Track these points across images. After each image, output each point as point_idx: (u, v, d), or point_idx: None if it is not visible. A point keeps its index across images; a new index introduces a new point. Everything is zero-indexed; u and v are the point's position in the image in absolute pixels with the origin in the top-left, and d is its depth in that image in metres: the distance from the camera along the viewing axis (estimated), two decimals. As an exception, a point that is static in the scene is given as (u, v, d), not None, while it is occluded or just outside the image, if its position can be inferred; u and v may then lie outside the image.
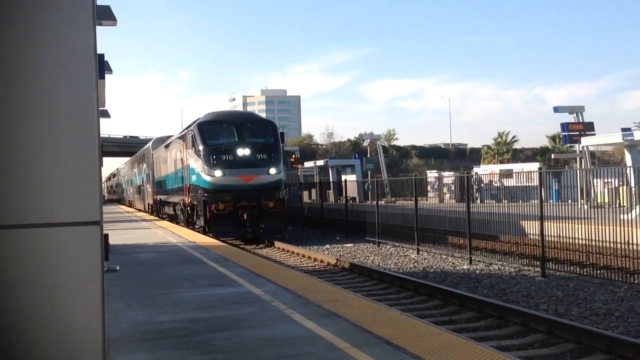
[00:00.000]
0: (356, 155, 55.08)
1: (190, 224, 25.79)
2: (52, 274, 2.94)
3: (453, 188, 34.02)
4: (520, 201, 18.21)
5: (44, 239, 2.93)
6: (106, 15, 8.84)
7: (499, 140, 76.25)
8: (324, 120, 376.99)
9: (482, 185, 26.99)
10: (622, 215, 14.89)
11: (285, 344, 6.14)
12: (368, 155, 52.26)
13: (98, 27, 4.28)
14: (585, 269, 14.15)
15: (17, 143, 2.92)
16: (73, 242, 2.98)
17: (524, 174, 19.53)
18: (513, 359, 5.66)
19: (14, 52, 2.96)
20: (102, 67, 12.00)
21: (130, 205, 54.36)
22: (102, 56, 13.06)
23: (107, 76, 16.04)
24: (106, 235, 3.15)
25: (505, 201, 20.24)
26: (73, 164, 2.99)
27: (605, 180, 21.34)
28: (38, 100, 2.98)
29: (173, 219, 30.30)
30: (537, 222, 15.45)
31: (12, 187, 2.89)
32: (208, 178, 22.97)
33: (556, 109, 34.92)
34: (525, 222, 17.21)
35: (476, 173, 29.83)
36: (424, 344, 6.00)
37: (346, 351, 5.80)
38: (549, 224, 15.64)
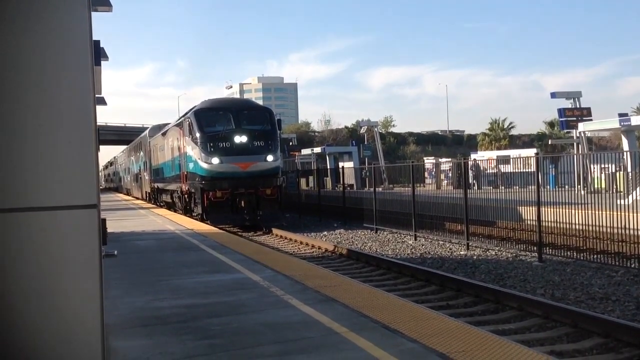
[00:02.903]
0: (353, 142, 55.03)
1: (187, 211, 25.79)
2: (49, 258, 2.95)
3: (450, 174, 34.07)
4: (517, 187, 18.23)
5: (41, 222, 2.93)
6: (101, 1, 8.81)
7: (493, 126, 76.25)
8: (321, 108, 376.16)
9: (480, 171, 27.01)
10: (619, 201, 14.92)
11: (284, 329, 6.17)
12: (365, 142, 52.20)
13: (94, 14, 4.27)
14: (582, 254, 14.19)
15: (13, 128, 2.93)
16: (70, 226, 2.98)
17: (521, 159, 19.54)
18: (510, 342, 5.69)
19: (9, 38, 2.95)
20: (98, 53, 11.95)
21: (127, 194, 54.33)
22: (97, 43, 12.97)
23: (103, 65, 15.95)
24: (103, 220, 3.15)
25: (503, 187, 20.26)
26: (69, 148, 2.99)
27: (603, 166, 21.38)
28: (34, 86, 2.98)
29: (171, 206, 30.29)
30: (534, 208, 15.48)
31: (9, 171, 2.89)
32: (205, 165, 22.95)
33: (553, 95, 34.91)
34: (522, 207, 17.25)
35: (474, 160, 29.87)
36: (422, 328, 6.03)
37: (344, 335, 5.83)
38: (546, 209, 15.67)
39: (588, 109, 33.33)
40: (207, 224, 21.56)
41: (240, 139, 23.14)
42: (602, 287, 11.51)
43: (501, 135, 74.93)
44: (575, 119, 32.43)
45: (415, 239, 19.92)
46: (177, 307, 7.39)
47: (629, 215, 13.56)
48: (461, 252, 16.78)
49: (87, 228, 3.02)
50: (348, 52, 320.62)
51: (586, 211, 14.58)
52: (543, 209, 15.37)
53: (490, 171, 26.74)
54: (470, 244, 17.35)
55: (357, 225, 24.46)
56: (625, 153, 19.86)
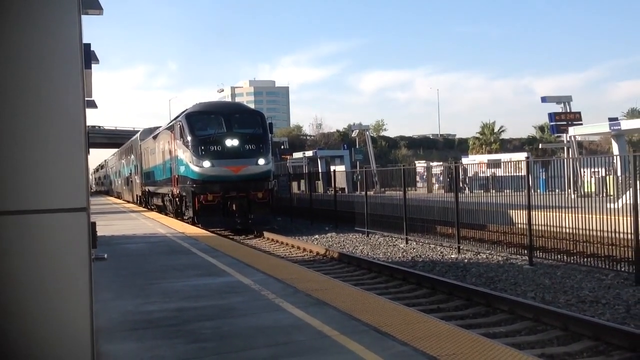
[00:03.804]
0: (345, 146, 55.12)
1: (179, 215, 25.73)
2: (39, 261, 2.94)
3: (442, 178, 34.16)
4: (508, 191, 18.31)
5: (30, 225, 2.92)
6: (92, 5, 8.79)
7: (484, 130, 76.57)
8: (313, 112, 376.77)
9: (470, 175, 27.09)
10: (609, 204, 15.00)
11: (275, 332, 6.16)
12: (357, 146, 52.30)
13: (84, 17, 4.26)
14: (572, 258, 14.24)
15: (2, 131, 2.91)
16: (60, 229, 2.97)
17: (512, 163, 19.61)
18: (500, 345, 5.71)
19: (-2, 41, 2.94)
20: (89, 56, 11.90)
21: (118, 197, 54.18)
22: (88, 46, 12.94)
23: (94, 68, 15.90)
24: (93, 223, 3.15)
25: (494, 191, 20.34)
26: (59, 151, 2.98)
27: (593, 170, 21.50)
28: (23, 89, 2.98)
29: (162, 210, 30.22)
30: (524, 212, 15.54)
31: (-2, 174, 2.88)
32: (196, 169, 22.92)
33: (544, 99, 35.06)
34: (513, 211, 17.31)
35: (461, 163, 29.93)
36: (412, 331, 6.03)
37: (335, 339, 5.83)
38: (537, 213, 15.73)
39: (578, 114, 33.50)
40: (198, 227, 21.52)
41: (231, 142, 23.13)
42: (592, 290, 11.56)
43: (492, 139, 75.25)
44: (565, 123, 32.58)
45: (407, 243, 19.95)
46: (168, 311, 7.36)
47: (618, 219, 13.62)
48: (452, 256, 16.82)
49: (77, 231, 3.01)
50: (340, 56, 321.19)
51: (576, 215, 14.65)
52: (534, 212, 15.43)
53: (481, 174, 26.82)
54: (461, 247, 17.40)
55: (349, 228, 24.47)
56: (615, 157, 19.96)
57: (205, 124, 24.08)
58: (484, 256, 16.35)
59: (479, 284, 12.49)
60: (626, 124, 28.67)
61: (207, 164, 22.81)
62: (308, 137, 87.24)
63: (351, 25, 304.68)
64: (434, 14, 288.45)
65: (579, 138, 32.17)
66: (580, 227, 14.40)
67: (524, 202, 15.54)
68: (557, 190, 18.25)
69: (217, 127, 23.68)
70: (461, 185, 23.72)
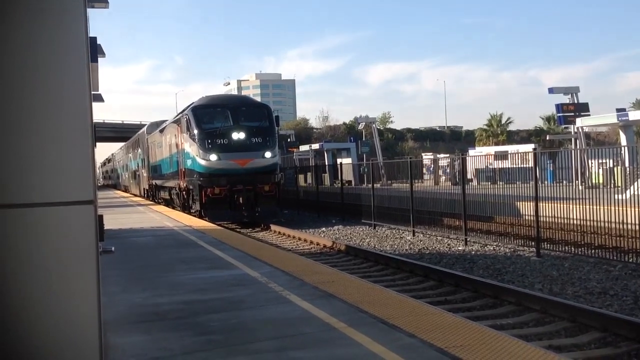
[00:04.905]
0: (351, 138, 55.13)
1: (186, 208, 25.78)
2: (46, 254, 2.94)
3: (448, 170, 34.09)
4: (519, 182, 18.25)
5: (37, 218, 2.93)
6: (98, -2, 8.81)
7: (491, 122, 76.40)
8: (319, 104, 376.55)
9: (479, 167, 27.02)
10: (616, 195, 14.94)
11: (282, 325, 6.17)
12: (363, 139, 52.26)
13: (90, 10, 4.25)
14: (580, 249, 14.20)
15: (9, 124, 2.92)
16: (67, 222, 2.98)
17: (519, 155, 19.55)
18: (508, 337, 5.70)
19: (3, 35, 2.94)
20: (95, 50, 11.95)
21: (125, 191, 54.33)
22: (94, 39, 13.01)
23: (101, 62, 15.96)
24: (101, 216, 3.15)
25: (501, 183, 20.28)
26: (65, 144, 2.98)
27: (600, 161, 21.42)
28: (29, 83, 2.97)
29: (169, 203, 30.27)
30: (532, 203, 15.49)
31: (5, 167, 2.89)
32: (203, 162, 22.95)
33: (551, 90, 34.94)
34: (521, 203, 17.25)
35: (463, 157, 29.80)
36: (420, 323, 6.03)
37: (342, 331, 5.84)
38: (544, 204, 15.68)
39: (585, 104, 33.38)
40: (205, 220, 21.56)
41: (238, 135, 23.14)
42: (600, 281, 11.53)
43: (499, 131, 75.06)
44: (573, 114, 32.46)
45: (414, 235, 19.92)
46: (176, 303, 7.39)
47: (626, 210, 13.57)
48: (459, 248, 16.79)
49: (84, 224, 3.01)
50: (345, 48, 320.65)
51: (584, 206, 14.60)
52: (541, 204, 15.38)
53: (490, 166, 26.73)
54: (468, 239, 17.36)
55: (356, 221, 24.45)
56: (623, 148, 19.88)
57: (211, 117, 24.09)
58: (491, 248, 16.33)
59: (486, 276, 12.47)
60: (634, 115, 28.56)
61: (213, 157, 22.84)
62: (314, 130, 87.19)
63: (356, 17, 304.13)
64: (438, 6, 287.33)
65: (586, 129, 32.06)
66: (588, 218, 14.36)
67: (532, 194, 15.49)
68: (564, 182, 18.20)
69: (224, 121, 23.70)
70: (471, 176, 23.66)
